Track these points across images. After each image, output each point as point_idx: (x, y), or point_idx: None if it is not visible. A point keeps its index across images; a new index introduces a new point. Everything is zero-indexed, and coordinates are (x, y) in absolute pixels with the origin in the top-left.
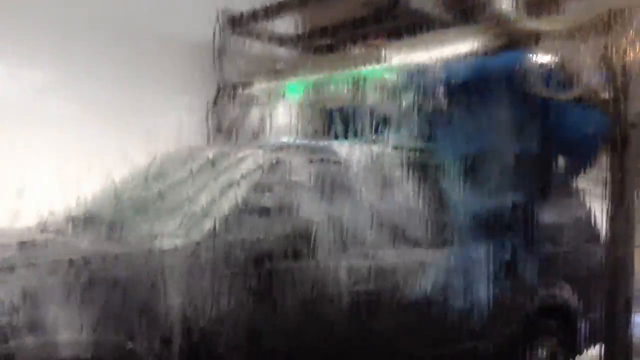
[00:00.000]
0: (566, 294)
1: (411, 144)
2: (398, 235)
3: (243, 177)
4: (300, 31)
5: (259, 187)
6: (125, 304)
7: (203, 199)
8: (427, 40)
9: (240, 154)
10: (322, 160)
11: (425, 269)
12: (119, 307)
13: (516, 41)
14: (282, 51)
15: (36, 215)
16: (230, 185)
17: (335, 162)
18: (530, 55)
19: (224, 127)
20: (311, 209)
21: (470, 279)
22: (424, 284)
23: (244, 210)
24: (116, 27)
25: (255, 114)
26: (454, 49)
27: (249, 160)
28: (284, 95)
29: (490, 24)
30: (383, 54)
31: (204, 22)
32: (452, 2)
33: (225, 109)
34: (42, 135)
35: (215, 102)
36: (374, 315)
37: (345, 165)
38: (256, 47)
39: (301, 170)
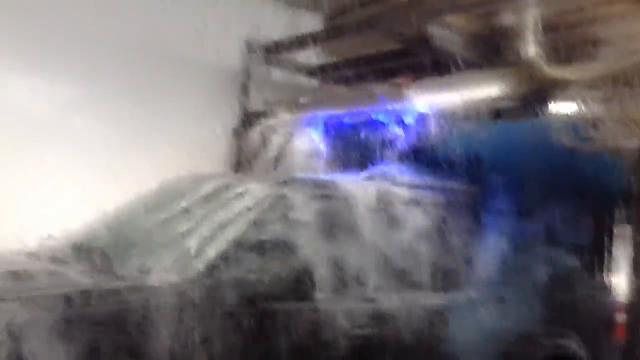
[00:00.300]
0: (576, 343)
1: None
2: (402, 279)
3: (242, 212)
4: (325, 62)
5: (258, 224)
6: (112, 342)
7: (200, 234)
8: (451, 81)
9: (241, 188)
10: (325, 196)
11: (430, 315)
12: (105, 345)
13: (542, 88)
14: (306, 81)
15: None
16: (229, 220)
17: (339, 199)
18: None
19: (245, 155)
20: (311, 248)
21: (476, 327)
22: (428, 331)
23: (241, 247)
24: (146, 50)
25: (276, 143)
26: (478, 92)
27: (250, 195)
28: (306, 127)
29: (517, 69)
30: (407, 93)
31: (232, 49)
32: (479, 43)
33: (248, 136)
34: (66, 152)
35: (238, 130)
36: None
37: (350, 202)
38: (281, 77)
39: (303, 207)
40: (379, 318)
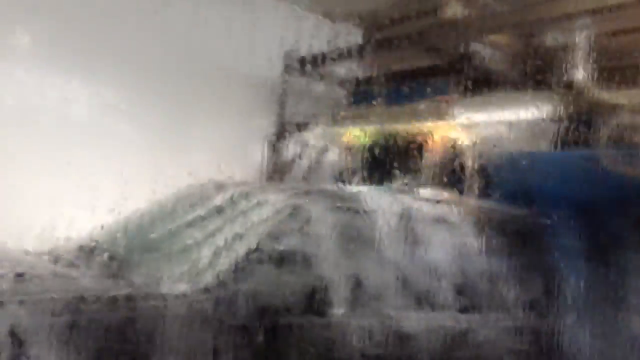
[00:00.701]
0: None
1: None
2: (422, 298)
3: (259, 223)
4: (365, 76)
5: (275, 235)
6: (118, 349)
7: (214, 243)
8: (497, 101)
9: (260, 198)
10: (346, 209)
11: (449, 337)
12: (111, 352)
13: (589, 111)
14: (344, 95)
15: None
16: (244, 230)
17: (360, 212)
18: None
19: (279, 166)
20: (329, 262)
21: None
22: (446, 354)
23: (256, 259)
24: (188, 60)
25: (310, 155)
26: (524, 112)
27: (268, 205)
28: (340, 141)
29: (566, 91)
30: (450, 111)
31: (272, 61)
32: (525, 63)
33: (283, 148)
34: (103, 156)
35: (273, 140)
36: None
37: (372, 216)
38: (319, 90)
39: (322, 219)
40: (397, 337)
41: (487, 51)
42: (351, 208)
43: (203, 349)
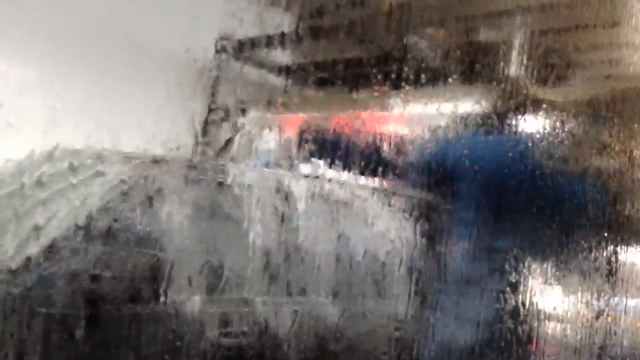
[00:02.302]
0: None
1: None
2: (292, 282)
3: (92, 195)
4: (299, 63)
5: (109, 210)
6: None
7: (39, 216)
8: (432, 94)
9: (101, 167)
10: (208, 182)
11: (321, 325)
12: None
13: (521, 107)
14: (279, 81)
15: None
16: (75, 204)
17: (226, 187)
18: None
19: (211, 151)
20: (177, 242)
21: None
22: (314, 342)
23: (83, 238)
24: (114, 39)
25: (243, 141)
26: (458, 106)
27: (108, 175)
28: (275, 127)
29: (498, 86)
30: (387, 102)
31: (204, 45)
32: (459, 57)
33: (215, 134)
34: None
35: (205, 127)
36: None
37: (239, 192)
38: (253, 75)
39: (172, 193)
40: (259, 327)
41: (423, 44)
42: (214, 181)
43: (9, 341)
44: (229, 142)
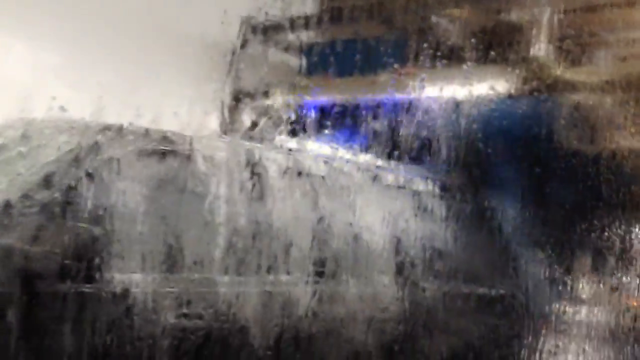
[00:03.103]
0: None
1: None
2: (255, 260)
3: (33, 167)
4: (322, 44)
5: (51, 181)
6: None
7: None
8: (454, 75)
9: (45, 138)
10: (163, 152)
11: (283, 303)
12: None
13: (549, 88)
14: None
15: None
16: (13, 176)
17: (184, 158)
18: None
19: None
20: (127, 217)
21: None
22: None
23: (19, 212)
24: (138, 20)
25: (267, 123)
26: (485, 86)
27: (52, 146)
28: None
29: (520, 66)
30: (409, 83)
31: (229, 26)
32: (485, 38)
33: (238, 115)
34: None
35: (229, 107)
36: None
37: (199, 164)
38: (277, 58)
39: (123, 163)
40: (216, 307)
41: (448, 25)
42: (170, 151)
43: None
44: (254, 124)
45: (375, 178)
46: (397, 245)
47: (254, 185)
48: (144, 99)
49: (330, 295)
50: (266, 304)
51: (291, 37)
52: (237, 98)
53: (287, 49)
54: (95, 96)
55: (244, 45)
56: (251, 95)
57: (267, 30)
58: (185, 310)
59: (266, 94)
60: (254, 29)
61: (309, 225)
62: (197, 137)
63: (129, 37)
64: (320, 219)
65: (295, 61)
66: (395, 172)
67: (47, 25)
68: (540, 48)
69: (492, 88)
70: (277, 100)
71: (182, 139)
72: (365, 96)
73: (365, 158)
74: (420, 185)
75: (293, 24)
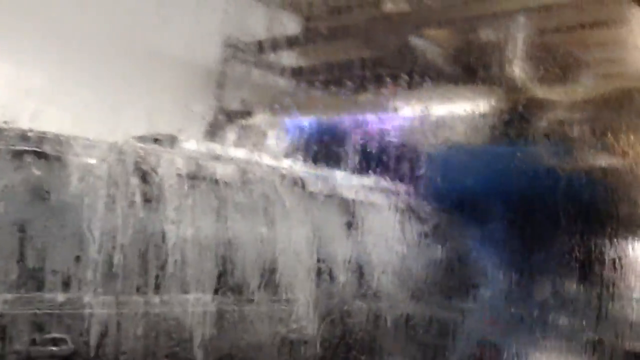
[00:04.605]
0: None
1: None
2: (149, 277)
3: None
4: (305, 65)
5: None
6: None
7: None
8: (437, 94)
9: None
10: (28, 153)
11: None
12: None
13: (524, 107)
14: (285, 84)
15: None
16: None
17: (55, 160)
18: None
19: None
20: None
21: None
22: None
23: None
24: (120, 43)
25: (250, 143)
26: (462, 106)
27: None
28: (282, 129)
29: (501, 87)
30: (390, 103)
31: (211, 47)
32: (463, 58)
33: (223, 135)
34: None
35: (212, 128)
36: None
37: (72, 166)
38: (259, 77)
39: None
40: (84, 330)
41: (427, 45)
42: (37, 153)
43: None
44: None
45: (298, 185)
46: (317, 258)
47: (141, 192)
48: (127, 119)
49: (230, 318)
50: (150, 329)
51: (273, 57)
52: (220, 118)
53: (269, 69)
54: (75, 114)
55: (226, 65)
56: (234, 115)
57: (249, 51)
58: (44, 336)
59: (249, 114)
60: (236, 50)
61: (207, 237)
62: (76, 137)
63: (110, 59)
64: (223, 230)
65: (278, 81)
66: (329, 180)
67: (29, 45)
68: (515, 68)
69: (467, 107)
70: (260, 119)
71: (57, 140)
72: (343, 115)
73: (291, 164)
74: (355, 193)
75: (275, 45)
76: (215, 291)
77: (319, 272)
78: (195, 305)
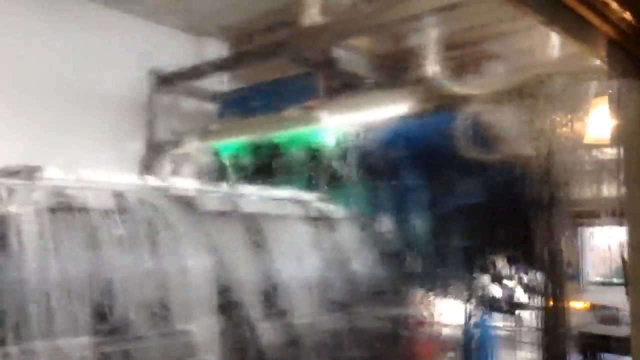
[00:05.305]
0: None
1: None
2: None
3: None
4: (232, 89)
5: None
6: None
7: None
8: (359, 102)
9: None
10: None
11: None
12: None
13: (444, 104)
14: (214, 109)
15: None
16: None
17: None
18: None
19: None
20: None
21: None
22: None
23: None
24: (48, 83)
25: (186, 171)
26: (385, 111)
27: None
28: (214, 154)
29: (418, 87)
30: (317, 116)
31: (137, 80)
32: (385, 64)
33: (156, 166)
34: None
35: (145, 160)
36: None
37: None
38: (189, 105)
39: None
40: None
41: (349, 55)
42: None
43: None
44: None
45: (191, 205)
46: (217, 281)
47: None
48: (54, 163)
49: (116, 359)
50: None
51: (203, 83)
52: (152, 148)
53: (197, 95)
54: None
55: (153, 96)
56: (165, 144)
57: (175, 80)
58: None
59: (180, 142)
60: (161, 80)
61: (78, 272)
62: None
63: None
64: (98, 263)
65: (207, 107)
66: (231, 196)
67: None
68: (433, 68)
69: (392, 111)
70: (192, 146)
71: None
72: (275, 132)
73: (182, 183)
74: (262, 206)
75: (201, 71)
76: (95, 332)
77: (220, 297)
78: (69, 351)
